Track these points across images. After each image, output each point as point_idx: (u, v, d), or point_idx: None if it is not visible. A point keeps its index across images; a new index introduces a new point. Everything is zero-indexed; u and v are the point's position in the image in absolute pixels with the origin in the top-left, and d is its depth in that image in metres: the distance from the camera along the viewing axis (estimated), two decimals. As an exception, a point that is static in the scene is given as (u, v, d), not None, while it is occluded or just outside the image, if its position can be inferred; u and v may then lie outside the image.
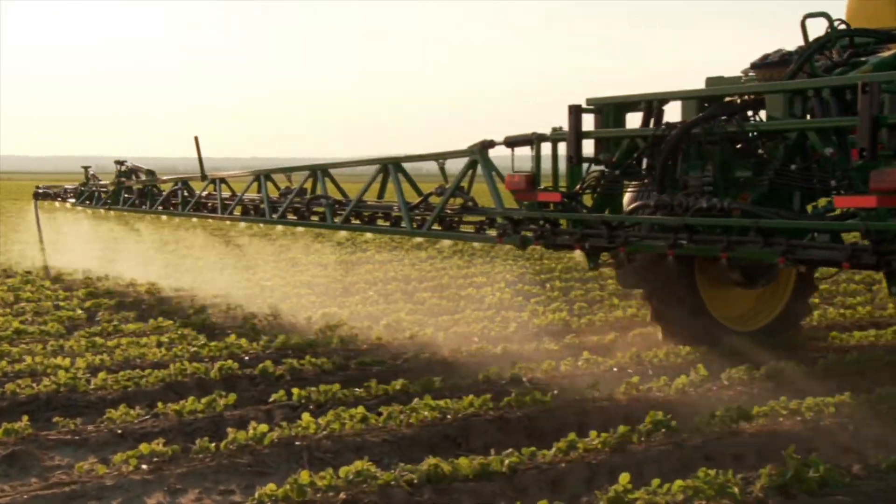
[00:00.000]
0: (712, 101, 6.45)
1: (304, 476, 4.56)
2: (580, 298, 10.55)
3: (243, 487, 4.86)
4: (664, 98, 6.70)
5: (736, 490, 4.41)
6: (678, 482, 4.40)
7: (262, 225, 15.41)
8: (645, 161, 6.69)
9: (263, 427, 5.39)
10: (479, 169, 7.76)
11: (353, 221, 9.13)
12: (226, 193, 11.22)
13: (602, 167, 6.89)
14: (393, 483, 4.60)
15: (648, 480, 4.49)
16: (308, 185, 9.81)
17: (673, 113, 6.71)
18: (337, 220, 9.19)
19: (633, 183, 6.91)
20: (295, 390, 6.33)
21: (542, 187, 7.02)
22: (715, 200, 5.93)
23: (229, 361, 7.21)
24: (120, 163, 13.66)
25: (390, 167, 8.64)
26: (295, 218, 10.00)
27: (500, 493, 4.62)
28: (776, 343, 7.86)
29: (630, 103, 6.90)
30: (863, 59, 6.43)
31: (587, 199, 7.00)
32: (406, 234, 9.18)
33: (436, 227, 8.19)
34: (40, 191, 16.30)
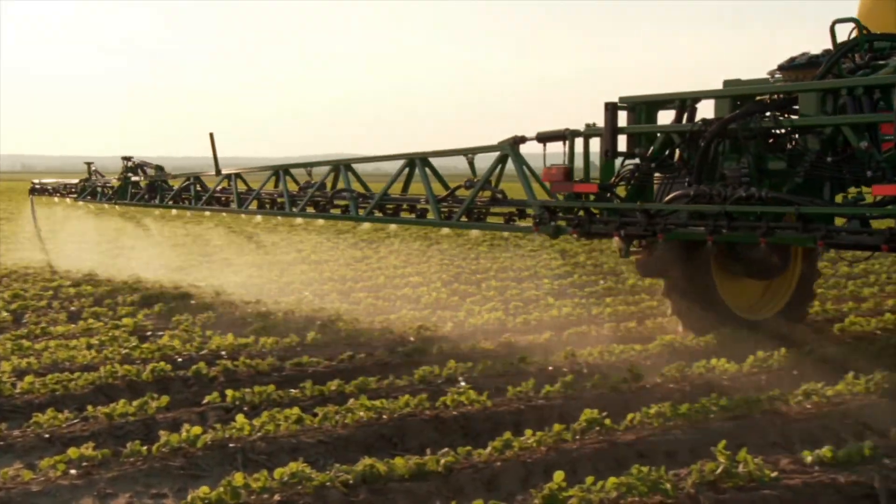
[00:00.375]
0: (744, 100, 6.92)
1: (238, 478, 4.51)
2: (515, 298, 10.61)
3: (175, 491, 4.78)
4: (697, 97, 7.21)
5: (668, 486, 4.47)
6: (612, 479, 4.45)
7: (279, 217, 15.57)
8: (677, 154, 7.15)
9: (197, 429, 5.32)
10: (507, 164, 8.19)
11: (376, 214, 9.37)
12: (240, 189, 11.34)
13: (636, 160, 7.34)
14: (328, 484, 4.57)
15: (583, 478, 4.53)
16: (328, 181, 9.99)
17: (704, 110, 7.41)
18: (361, 212, 9.40)
19: (657, 175, 7.36)
20: (229, 392, 6.26)
21: (576, 180, 7.45)
22: (753, 189, 6.34)
23: (162, 363, 7.10)
24: (126, 158, 13.69)
25: (417, 161, 8.85)
26: (315, 212, 10.17)
27: (436, 493, 4.62)
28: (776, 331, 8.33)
29: (662, 101, 7.41)
30: (881, 62, 6.87)
31: (620, 191, 7.41)
32: (434, 226, 9.61)
33: (463, 218, 8.50)
34: (37, 186, 16.09)
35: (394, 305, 10.25)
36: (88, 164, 14.98)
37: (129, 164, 13.63)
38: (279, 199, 10.64)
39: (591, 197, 7.35)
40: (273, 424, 5.52)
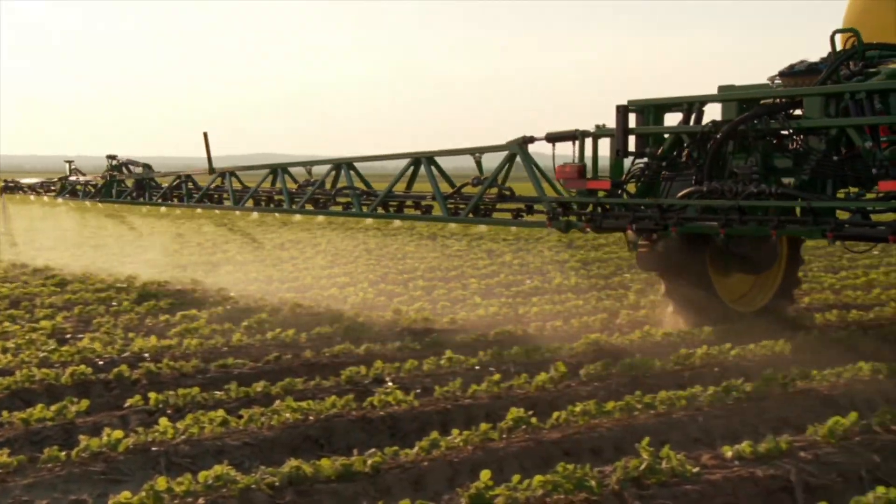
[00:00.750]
0: (749, 104, 7.33)
1: (161, 482, 4.43)
2: (443, 298, 10.63)
3: (96, 496, 4.67)
4: (704, 100, 7.66)
5: (593, 483, 4.52)
6: (538, 478, 4.49)
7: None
8: (685, 153, 7.50)
9: (118, 433, 5.21)
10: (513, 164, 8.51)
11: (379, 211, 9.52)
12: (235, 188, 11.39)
13: (645, 159, 7.61)
14: (254, 487, 4.52)
15: (509, 477, 4.56)
16: (328, 180, 10.08)
17: (710, 113, 7.79)
18: (365, 209, 9.54)
19: (663, 173, 7.70)
20: (152, 394, 6.16)
21: (589, 177, 7.80)
22: (764, 186, 6.74)
23: (82, 366, 6.92)
24: (112, 157, 13.53)
25: (423, 160, 9.02)
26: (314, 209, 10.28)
27: (363, 493, 4.61)
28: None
29: (670, 104, 7.80)
30: (872, 69, 7.27)
31: (630, 188, 7.86)
32: (441, 221, 9.85)
33: (470, 215, 8.71)
34: (10, 184, 15.78)
35: (320, 306, 10.19)
36: (69, 161, 14.91)
37: (114, 162, 13.53)
38: (277, 197, 10.72)
39: (602, 193, 7.71)
40: (197, 427, 5.44)
